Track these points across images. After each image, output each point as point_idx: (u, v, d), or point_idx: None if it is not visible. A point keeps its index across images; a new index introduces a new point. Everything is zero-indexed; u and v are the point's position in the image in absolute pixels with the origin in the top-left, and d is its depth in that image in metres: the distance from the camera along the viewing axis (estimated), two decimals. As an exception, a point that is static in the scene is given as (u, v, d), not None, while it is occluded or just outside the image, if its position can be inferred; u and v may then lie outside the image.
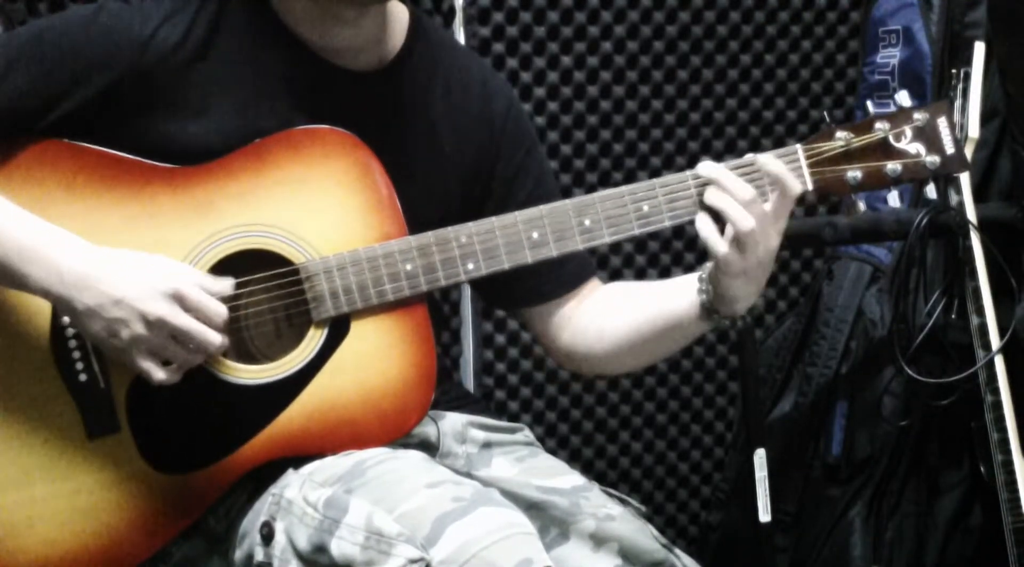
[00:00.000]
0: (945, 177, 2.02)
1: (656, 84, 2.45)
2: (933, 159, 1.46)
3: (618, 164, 2.45)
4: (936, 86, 2.31)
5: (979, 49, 2.14)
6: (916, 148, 1.47)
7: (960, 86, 2.09)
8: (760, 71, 2.53)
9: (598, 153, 2.43)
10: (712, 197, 1.42)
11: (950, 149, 1.47)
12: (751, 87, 2.53)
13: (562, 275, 1.63)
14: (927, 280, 2.26)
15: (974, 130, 2.10)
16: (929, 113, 1.47)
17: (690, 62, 2.47)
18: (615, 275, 2.46)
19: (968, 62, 2.12)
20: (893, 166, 1.46)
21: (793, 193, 1.41)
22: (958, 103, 2.09)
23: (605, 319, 1.60)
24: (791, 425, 2.41)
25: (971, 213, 2.14)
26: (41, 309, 1.42)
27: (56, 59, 1.42)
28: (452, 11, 2.28)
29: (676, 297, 1.52)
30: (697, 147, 2.50)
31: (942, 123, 1.47)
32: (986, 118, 2.22)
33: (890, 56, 2.39)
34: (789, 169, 1.43)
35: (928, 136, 1.46)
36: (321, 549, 1.33)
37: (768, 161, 1.42)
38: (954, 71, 2.12)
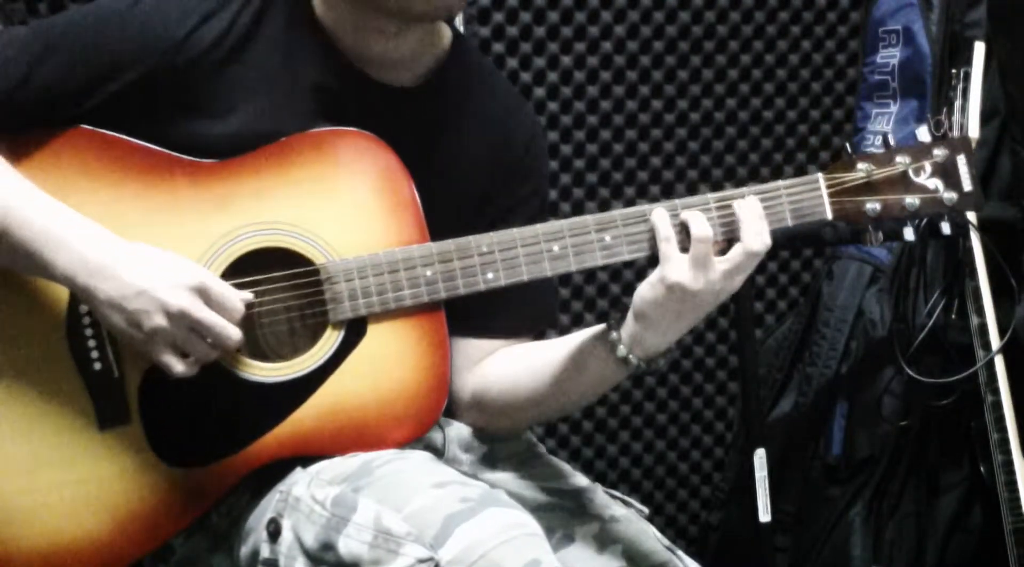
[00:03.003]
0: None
1: (656, 84, 2.45)
2: (951, 196, 1.47)
3: (618, 164, 2.44)
4: (936, 86, 2.32)
5: (979, 49, 2.15)
6: (935, 183, 1.46)
7: (960, 86, 2.10)
8: (760, 71, 2.53)
9: (598, 153, 2.43)
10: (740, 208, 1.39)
11: (968, 186, 1.47)
12: (751, 87, 2.53)
13: (524, 317, 1.60)
14: (927, 280, 2.27)
15: (974, 130, 2.10)
16: (949, 149, 1.47)
17: (690, 62, 2.47)
18: (615, 275, 2.47)
19: (968, 62, 2.13)
20: (911, 200, 1.46)
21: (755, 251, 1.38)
22: (958, 103, 2.09)
23: (517, 369, 1.56)
24: (791, 425, 2.41)
25: (971, 213, 2.15)
26: (58, 296, 1.42)
27: (90, 49, 1.41)
28: (452, 11, 2.28)
29: (588, 345, 1.47)
30: (697, 147, 2.50)
31: (961, 160, 1.47)
32: (986, 118, 2.23)
33: (890, 56, 2.39)
34: (806, 196, 1.44)
35: (947, 172, 1.47)
36: (328, 547, 1.32)
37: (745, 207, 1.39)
38: (954, 71, 2.12)
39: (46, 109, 1.42)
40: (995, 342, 2.13)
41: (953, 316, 2.23)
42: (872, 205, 1.46)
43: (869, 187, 1.46)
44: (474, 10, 2.29)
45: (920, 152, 1.47)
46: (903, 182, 1.46)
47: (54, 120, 1.42)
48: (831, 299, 2.40)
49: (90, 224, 1.38)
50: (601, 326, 1.46)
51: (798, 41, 2.55)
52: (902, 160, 1.46)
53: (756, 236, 1.38)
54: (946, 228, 1.52)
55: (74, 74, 1.41)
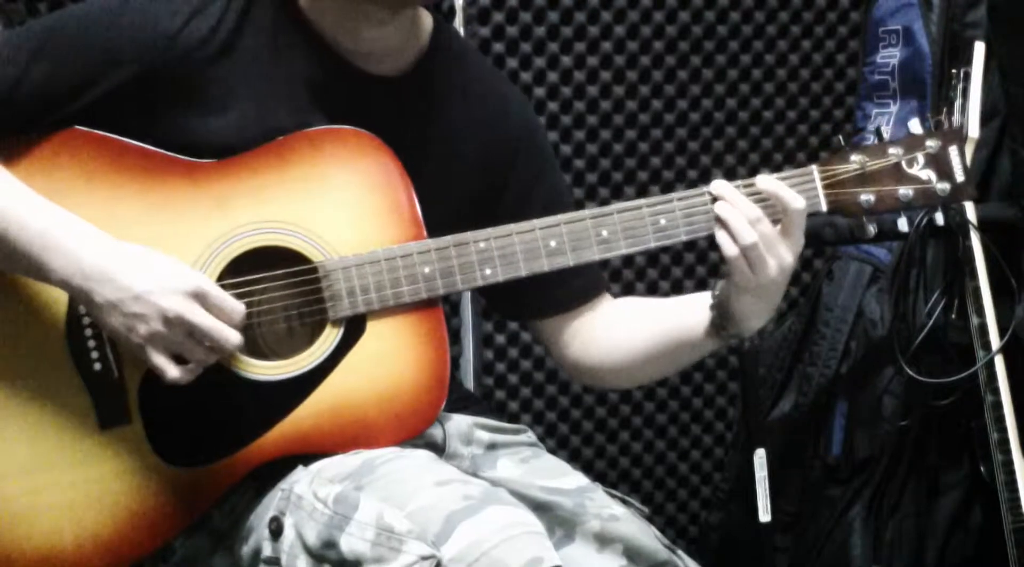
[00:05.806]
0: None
1: (656, 84, 2.45)
2: (943, 186, 1.48)
3: (618, 164, 2.45)
4: (936, 86, 2.32)
5: (979, 49, 2.15)
6: (927, 174, 1.48)
7: (960, 86, 2.10)
8: (760, 71, 2.54)
9: (598, 153, 2.43)
10: (720, 209, 1.43)
11: (960, 177, 1.49)
12: (751, 87, 2.53)
13: (572, 289, 1.63)
14: (927, 280, 2.26)
15: (974, 130, 2.10)
16: (941, 140, 1.49)
17: (690, 62, 2.47)
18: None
19: (968, 62, 2.13)
20: (905, 191, 1.48)
21: (793, 208, 1.42)
22: (958, 103, 2.10)
23: (616, 334, 1.62)
24: (791, 425, 2.41)
25: (971, 213, 2.15)
26: (58, 297, 1.42)
27: (80, 50, 1.41)
28: (452, 11, 2.28)
29: (687, 314, 1.53)
30: (697, 147, 2.50)
31: (953, 151, 1.49)
32: (986, 118, 2.23)
33: (890, 56, 2.40)
34: (801, 188, 1.45)
35: (939, 163, 1.48)
36: (330, 544, 1.32)
37: (765, 181, 1.44)
38: (954, 71, 2.12)
39: (42, 109, 1.41)
40: (995, 342, 2.14)
41: (953, 316, 2.24)
42: (866, 197, 1.48)
43: (863, 179, 1.48)
44: (474, 10, 2.29)
45: (912, 143, 1.49)
46: (896, 173, 1.48)
47: (50, 120, 1.42)
48: (831, 299, 2.40)
49: (87, 227, 1.38)
50: (700, 298, 1.52)
51: (798, 41, 2.56)
52: (895, 152, 1.48)
53: (794, 197, 1.42)
54: (940, 218, 1.54)
55: (67, 73, 1.41)
